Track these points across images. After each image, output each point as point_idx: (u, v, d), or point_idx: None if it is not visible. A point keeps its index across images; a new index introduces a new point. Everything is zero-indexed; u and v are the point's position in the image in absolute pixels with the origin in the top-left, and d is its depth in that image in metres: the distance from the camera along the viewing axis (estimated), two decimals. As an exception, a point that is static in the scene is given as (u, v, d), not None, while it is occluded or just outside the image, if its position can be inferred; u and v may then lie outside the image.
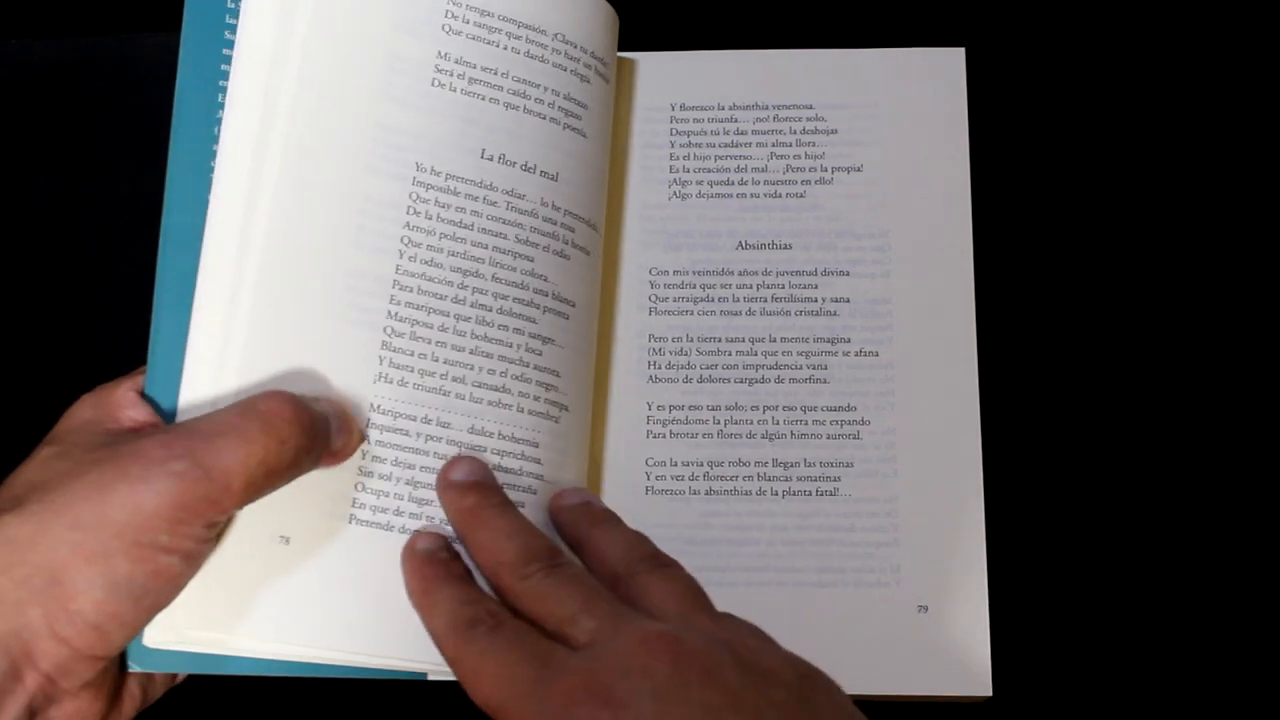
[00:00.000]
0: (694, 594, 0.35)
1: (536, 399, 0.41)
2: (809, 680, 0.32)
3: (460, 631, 0.34)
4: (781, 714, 0.30)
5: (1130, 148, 0.49)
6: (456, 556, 0.37)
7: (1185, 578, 0.45)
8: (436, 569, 0.36)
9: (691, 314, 0.46)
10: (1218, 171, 0.49)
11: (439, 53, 0.41)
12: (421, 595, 0.36)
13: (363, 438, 0.38)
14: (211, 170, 0.39)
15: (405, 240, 0.40)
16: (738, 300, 0.46)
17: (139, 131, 0.50)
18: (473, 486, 0.38)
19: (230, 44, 0.40)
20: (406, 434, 0.39)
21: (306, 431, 0.35)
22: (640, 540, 0.37)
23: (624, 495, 0.44)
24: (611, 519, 0.39)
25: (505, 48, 0.42)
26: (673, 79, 0.48)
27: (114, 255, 0.49)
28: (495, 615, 0.34)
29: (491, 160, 0.42)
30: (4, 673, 0.32)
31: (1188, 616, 0.45)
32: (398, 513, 0.38)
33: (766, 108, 0.48)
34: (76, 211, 0.50)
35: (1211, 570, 0.45)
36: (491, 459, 0.40)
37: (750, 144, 0.48)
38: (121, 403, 0.37)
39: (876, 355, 0.45)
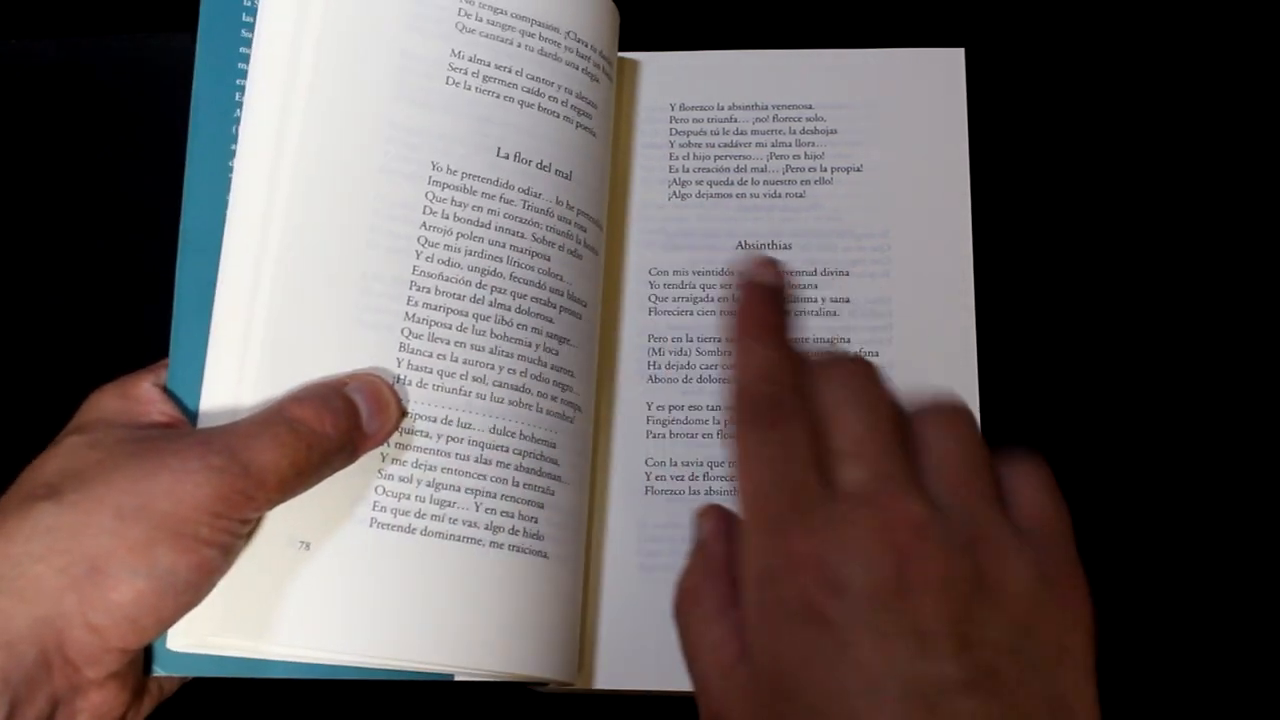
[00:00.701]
0: (977, 470, 0.28)
1: (554, 399, 0.41)
2: (1041, 603, 0.26)
3: (746, 402, 0.29)
4: (988, 662, 0.25)
5: (1130, 147, 0.49)
6: (788, 307, 0.31)
7: (1186, 577, 0.45)
8: (767, 310, 0.30)
9: (691, 314, 0.46)
10: (1218, 171, 0.49)
11: (452, 50, 0.41)
12: (741, 323, 0.30)
13: (404, 412, 0.38)
14: (229, 171, 0.39)
15: (422, 240, 0.40)
16: (738, 300, 0.46)
17: (140, 132, 0.50)
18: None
19: (247, 43, 0.39)
20: (427, 435, 0.39)
21: (332, 434, 0.36)
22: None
23: (624, 495, 0.44)
24: None
25: (519, 45, 0.42)
26: (672, 79, 0.48)
27: (114, 255, 0.49)
28: (782, 407, 0.29)
29: (507, 159, 0.41)
30: (34, 661, 0.31)
31: (1188, 616, 0.45)
32: (419, 515, 0.38)
33: (766, 108, 0.48)
34: (77, 211, 0.50)
35: (1212, 570, 0.45)
36: (513, 459, 0.39)
37: (750, 144, 0.48)
38: (150, 397, 0.37)
39: (876, 355, 0.45)
